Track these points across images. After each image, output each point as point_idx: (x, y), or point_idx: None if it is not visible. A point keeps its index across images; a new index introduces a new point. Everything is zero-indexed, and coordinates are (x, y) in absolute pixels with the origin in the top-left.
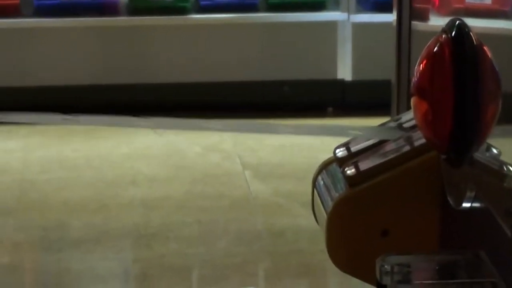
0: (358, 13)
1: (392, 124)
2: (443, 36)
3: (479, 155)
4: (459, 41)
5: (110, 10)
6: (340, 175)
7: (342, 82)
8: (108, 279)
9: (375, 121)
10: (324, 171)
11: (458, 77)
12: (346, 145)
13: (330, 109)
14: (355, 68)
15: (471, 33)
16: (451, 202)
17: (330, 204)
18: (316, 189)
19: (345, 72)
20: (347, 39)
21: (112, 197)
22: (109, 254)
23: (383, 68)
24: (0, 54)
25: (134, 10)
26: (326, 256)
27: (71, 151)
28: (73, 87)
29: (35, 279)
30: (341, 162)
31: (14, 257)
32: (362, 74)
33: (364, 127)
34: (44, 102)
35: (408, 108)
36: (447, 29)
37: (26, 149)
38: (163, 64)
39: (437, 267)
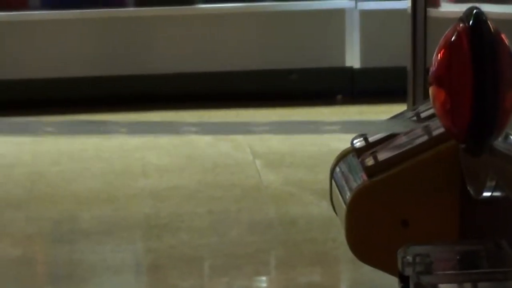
0: (365, 0)
1: (409, 113)
2: (461, 25)
3: (498, 143)
4: (477, 30)
5: (117, 1)
6: (358, 166)
7: (350, 70)
8: (120, 270)
9: (384, 108)
10: (341, 161)
11: (477, 66)
12: (364, 136)
13: (339, 96)
14: (364, 56)
15: (488, 22)
16: (471, 191)
17: (349, 195)
18: (334, 180)
19: (353, 59)
20: (355, 26)
21: (122, 188)
22: (120, 245)
23: (392, 55)
24: (7, 46)
25: (141, 1)
26: (338, 244)
27: (80, 143)
28: (80, 79)
29: (47, 271)
30: (359, 152)
31: (25, 249)
32: (370, 61)
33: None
34: (51, 94)
35: (425, 94)
36: (465, 18)
37: (36, 141)
38: (171, 54)
39: (458, 257)
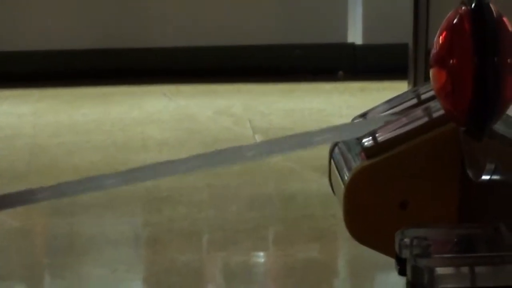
0: None
1: (410, 95)
2: (463, 8)
3: (498, 127)
4: (479, 13)
5: None
6: (357, 146)
7: (352, 46)
8: (119, 243)
9: (386, 84)
10: (341, 141)
11: (478, 49)
12: (364, 116)
13: (341, 72)
14: (366, 32)
15: (490, 5)
16: (470, 174)
17: (347, 175)
18: (333, 160)
19: (355, 35)
20: (358, 2)
21: (122, 162)
22: (119, 219)
23: (394, 32)
24: (6, 17)
25: None
26: (337, 220)
27: (81, 116)
28: (86, 51)
29: (46, 243)
30: None
31: (25, 221)
32: (373, 37)
33: (330, 127)
34: (53, 66)
35: (426, 73)
36: (467, 1)
37: (37, 113)
38: (173, 27)
39: (456, 241)
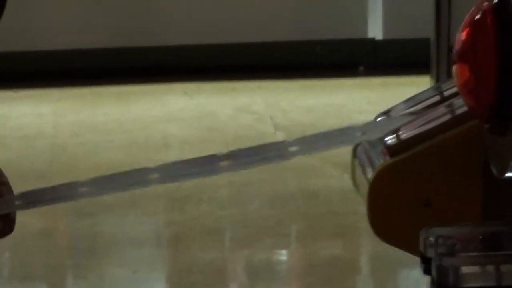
0: None
1: (432, 92)
2: (485, 3)
3: None
4: (502, 8)
5: None
6: (380, 144)
7: (373, 41)
8: (142, 242)
9: (407, 80)
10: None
11: (501, 45)
12: (387, 113)
13: (361, 68)
14: (386, 27)
15: None
16: (494, 171)
17: (371, 174)
18: (357, 158)
19: (375, 30)
20: None
21: (144, 160)
22: (142, 218)
23: (415, 26)
24: (22, 17)
25: None
26: (359, 217)
27: (102, 115)
28: (99, 50)
29: (69, 244)
30: None
31: (47, 222)
32: (393, 32)
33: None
34: (72, 66)
35: (448, 67)
36: None
37: (58, 113)
38: (193, 25)
39: (481, 238)
